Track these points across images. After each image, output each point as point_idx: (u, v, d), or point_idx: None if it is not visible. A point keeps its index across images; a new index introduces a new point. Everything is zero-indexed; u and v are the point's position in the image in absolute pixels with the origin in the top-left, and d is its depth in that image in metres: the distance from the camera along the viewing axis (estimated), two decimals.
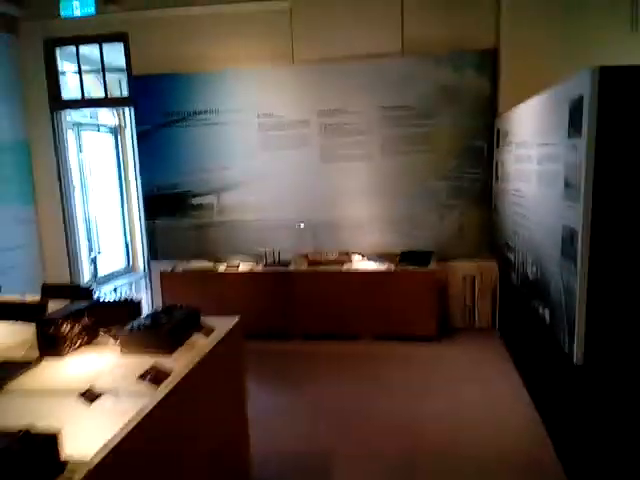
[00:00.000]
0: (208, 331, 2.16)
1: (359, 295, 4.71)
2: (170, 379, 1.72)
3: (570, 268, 2.42)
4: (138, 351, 1.90)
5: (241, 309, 5.00)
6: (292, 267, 4.91)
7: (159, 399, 1.60)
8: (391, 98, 4.94)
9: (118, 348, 1.98)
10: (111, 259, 7.72)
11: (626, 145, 2.20)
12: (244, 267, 5.00)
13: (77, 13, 5.29)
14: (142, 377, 1.68)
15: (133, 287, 7.27)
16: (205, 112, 5.23)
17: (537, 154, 3.07)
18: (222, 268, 4.99)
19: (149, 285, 5.87)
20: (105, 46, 5.50)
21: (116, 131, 7.61)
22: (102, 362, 1.89)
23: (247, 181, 5.28)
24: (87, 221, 7.09)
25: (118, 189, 7.71)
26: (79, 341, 2.00)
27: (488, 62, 4.77)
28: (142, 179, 5.51)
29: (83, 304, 2.13)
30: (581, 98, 2.25)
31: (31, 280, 5.58)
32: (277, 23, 5.03)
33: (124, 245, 7.94)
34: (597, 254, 2.28)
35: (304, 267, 4.90)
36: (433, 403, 3.53)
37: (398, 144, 5.01)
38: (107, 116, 7.56)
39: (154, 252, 5.58)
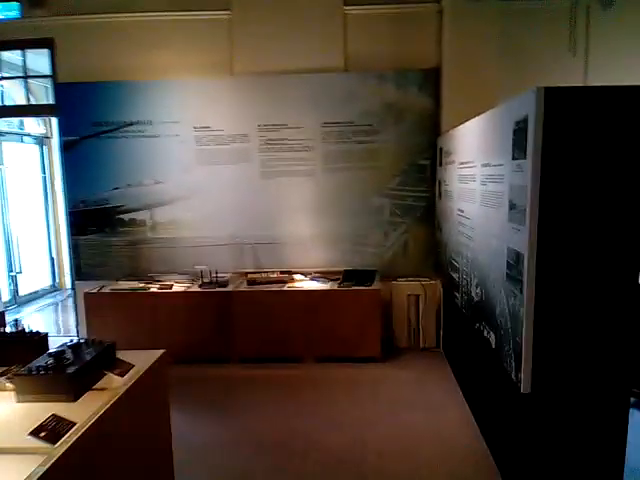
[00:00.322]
0: (124, 370, 1.89)
1: (301, 316, 4.51)
2: (72, 432, 1.45)
3: (515, 292, 2.34)
4: (37, 398, 1.61)
5: (175, 332, 4.72)
6: (230, 287, 4.65)
7: (55, 458, 1.33)
8: (334, 114, 4.82)
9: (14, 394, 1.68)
10: (36, 277, 7.15)
11: (571, 166, 2.14)
12: (179, 287, 4.69)
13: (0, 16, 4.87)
14: (35, 432, 1.40)
15: (59, 308, 6.75)
16: (138, 123, 4.92)
17: (481, 174, 3.01)
18: (154, 288, 4.65)
19: (74, 307, 5.42)
20: (32, 52, 5.09)
21: (42, 141, 7.11)
22: None
23: (183, 196, 5.00)
24: (7, 237, 6.54)
25: (43, 203, 7.18)
26: None
27: (431, 81, 4.76)
28: (68, 193, 5.10)
29: None
30: (526, 118, 2.18)
31: None
32: (216, 33, 4.83)
33: (49, 262, 7.39)
34: (543, 278, 2.20)
35: (243, 287, 4.66)
36: (377, 432, 3.37)
37: (341, 160, 4.90)
38: (33, 125, 7.06)
39: (79, 271, 5.16)
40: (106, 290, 4.63)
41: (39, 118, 6.91)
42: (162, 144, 4.94)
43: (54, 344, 2.00)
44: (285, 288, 4.59)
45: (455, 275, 3.87)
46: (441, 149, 4.55)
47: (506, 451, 2.80)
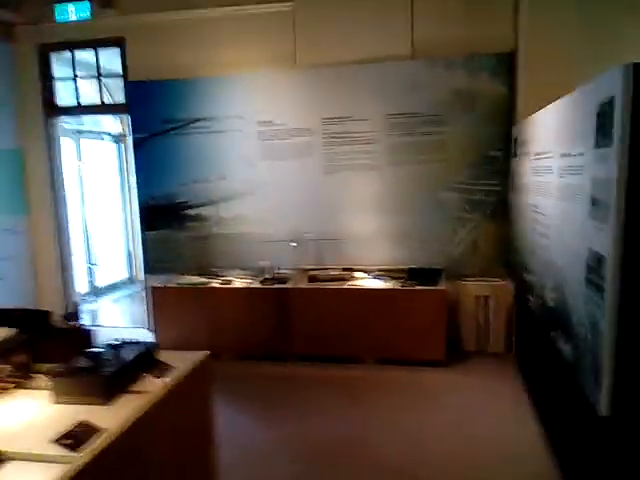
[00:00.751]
0: (163, 372, 1.83)
1: (362, 315, 4.36)
2: (99, 439, 1.40)
3: (597, 301, 2.05)
4: (72, 400, 1.58)
5: (235, 327, 4.73)
6: (291, 284, 4.58)
7: (76, 468, 1.27)
8: (399, 104, 4.60)
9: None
10: (114, 270, 7.50)
11: None
12: (240, 283, 4.69)
13: (72, 17, 5.08)
14: (60, 438, 1.36)
15: (134, 300, 7.02)
16: (203, 119, 4.96)
17: (558, 165, 2.70)
18: (216, 284, 4.68)
19: (145, 300, 5.60)
20: (104, 51, 5.28)
21: (118, 139, 7.42)
22: (27, 413, 1.58)
23: (246, 192, 4.99)
24: (85, 231, 6.89)
25: (120, 198, 7.50)
26: (9, 384, 1.70)
27: (505, 66, 4.41)
28: (139, 189, 5.25)
29: (23, 336, 1.83)
30: (611, 100, 1.89)
31: (22, 292, 5.36)
32: (279, 25, 4.75)
33: (126, 255, 7.72)
34: (629, 285, 1.91)
35: (303, 284, 4.57)
36: (438, 443, 3.16)
37: (407, 153, 4.67)
38: (111, 124, 7.38)
39: (149, 265, 5.31)
40: (170, 285, 4.72)
41: (117, 117, 7.19)
42: (226, 140, 4.96)
43: (117, 336, 1.97)
44: (346, 286, 4.45)
45: (528, 277, 3.54)
46: (515, 139, 4.20)
47: (579, 476, 2.50)
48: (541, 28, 4.24)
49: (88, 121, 7.04)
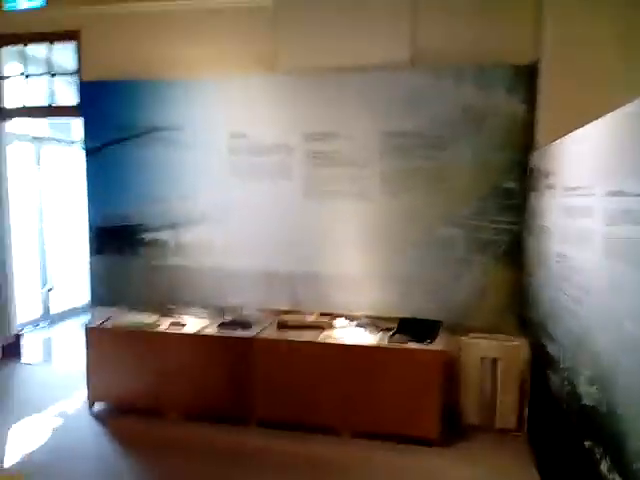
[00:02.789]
0: None
1: (339, 376, 3.52)
2: None
3: None
4: None
5: (184, 382, 3.81)
6: (255, 330, 3.76)
7: None
8: (396, 121, 3.84)
9: None
10: (73, 293, 6.70)
11: None
12: (195, 325, 3.88)
13: (23, 6, 4.39)
14: None
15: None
16: (166, 129, 4.21)
17: (604, 207, 1.90)
18: (164, 326, 3.87)
19: None
20: (59, 47, 4.58)
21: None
22: None
23: (213, 216, 4.21)
24: (41, 248, 6.13)
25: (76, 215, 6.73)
26: None
27: (524, 80, 3.64)
28: (89, 206, 4.48)
29: None
30: None
31: None
32: (257, 23, 4.03)
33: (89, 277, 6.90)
34: None
35: (271, 332, 3.75)
36: None
37: (403, 180, 3.89)
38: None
39: (95, 295, 4.52)
40: (109, 325, 3.91)
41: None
42: (192, 153, 4.20)
43: None
44: (320, 339, 3.62)
45: (551, 347, 2.72)
46: (534, 169, 3.42)
47: None
48: (570, 38, 3.49)
49: (60, 126, 6.35)
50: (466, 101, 3.70)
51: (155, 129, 4.22)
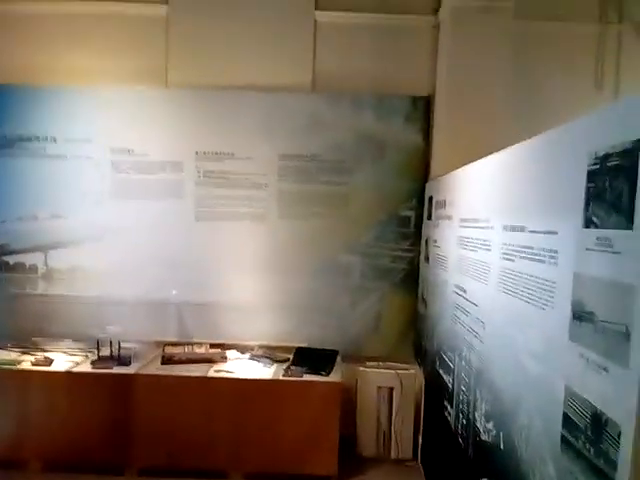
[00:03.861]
0: None
1: (228, 414, 3.25)
2: None
3: None
4: None
5: (50, 426, 3.24)
6: (135, 366, 3.37)
7: None
8: (295, 144, 3.73)
9: None
10: None
11: None
12: (63, 363, 3.40)
13: None
14: None
15: None
16: (36, 139, 3.73)
17: (503, 242, 1.88)
18: (28, 363, 3.34)
19: None
20: None
21: None
22: None
23: (90, 237, 3.78)
24: None
25: None
26: None
27: (421, 110, 3.72)
28: None
29: None
30: (633, 149, 1.07)
31: None
32: (148, 33, 3.75)
33: None
34: None
35: (153, 367, 3.39)
36: None
37: (302, 204, 3.77)
38: None
39: None
40: None
41: None
42: (67, 168, 3.76)
43: None
44: (210, 374, 3.33)
45: (446, 377, 2.69)
46: (431, 198, 3.47)
47: None
48: (463, 73, 3.60)
49: None
50: (365, 128, 3.70)
51: (24, 139, 3.72)
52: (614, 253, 1.12)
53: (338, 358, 3.62)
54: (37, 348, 3.62)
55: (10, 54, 3.73)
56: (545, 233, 1.50)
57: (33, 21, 3.74)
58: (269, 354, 3.68)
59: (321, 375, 3.36)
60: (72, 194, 3.75)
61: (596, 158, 1.23)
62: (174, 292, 3.77)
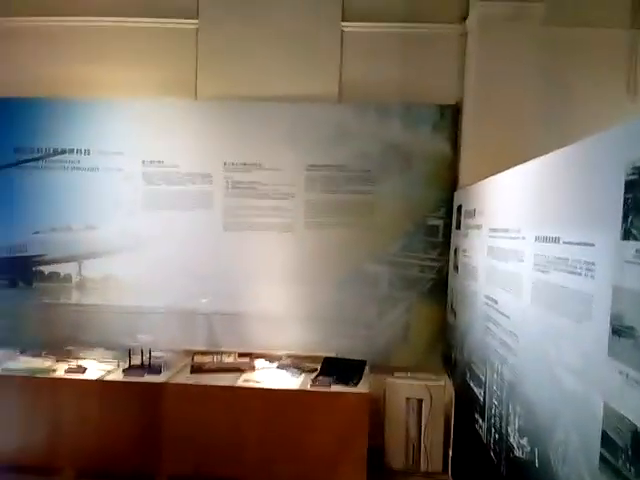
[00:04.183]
0: None
1: (257, 424, 3.26)
2: None
3: None
4: None
5: (82, 435, 3.31)
6: (165, 375, 3.41)
7: None
8: (321, 154, 3.75)
9: None
10: None
11: None
12: (96, 371, 3.46)
13: None
14: None
15: None
16: (70, 152, 3.85)
17: (534, 253, 1.85)
18: (62, 371, 3.42)
19: None
20: None
21: None
22: None
23: (122, 248, 3.86)
24: None
25: None
26: None
27: (449, 119, 3.70)
28: None
29: None
30: None
31: None
32: (178, 47, 3.83)
33: None
34: None
35: (183, 376, 3.43)
36: None
37: (329, 214, 3.78)
38: None
39: None
40: None
41: None
42: (100, 180, 3.85)
43: None
44: (238, 384, 3.35)
45: (477, 389, 2.65)
46: (460, 207, 3.43)
47: None
48: (491, 81, 3.56)
49: None
50: (392, 138, 3.69)
51: (57, 152, 3.83)
52: None
53: (366, 368, 3.59)
54: (70, 356, 3.69)
55: (43, 67, 3.85)
56: (581, 245, 1.46)
57: (67, 34, 3.85)
58: (297, 364, 3.68)
59: (349, 385, 3.34)
60: (105, 205, 3.84)
61: (634, 168, 1.19)
62: (203, 300, 3.81)
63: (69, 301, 3.89)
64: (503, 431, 2.15)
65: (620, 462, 1.18)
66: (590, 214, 1.44)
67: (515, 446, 1.98)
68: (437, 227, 3.69)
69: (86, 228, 3.85)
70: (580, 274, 1.45)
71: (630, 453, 1.14)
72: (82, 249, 3.86)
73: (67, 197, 3.85)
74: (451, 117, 3.69)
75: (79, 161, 3.83)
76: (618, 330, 1.23)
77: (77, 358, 3.67)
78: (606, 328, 1.28)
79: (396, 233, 3.73)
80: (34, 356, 3.66)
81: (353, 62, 3.75)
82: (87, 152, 3.82)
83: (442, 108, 3.70)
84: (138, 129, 3.81)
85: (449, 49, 3.74)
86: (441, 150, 3.69)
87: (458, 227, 3.42)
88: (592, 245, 1.39)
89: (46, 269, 3.90)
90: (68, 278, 3.89)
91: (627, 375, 1.17)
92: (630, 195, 1.21)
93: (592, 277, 1.38)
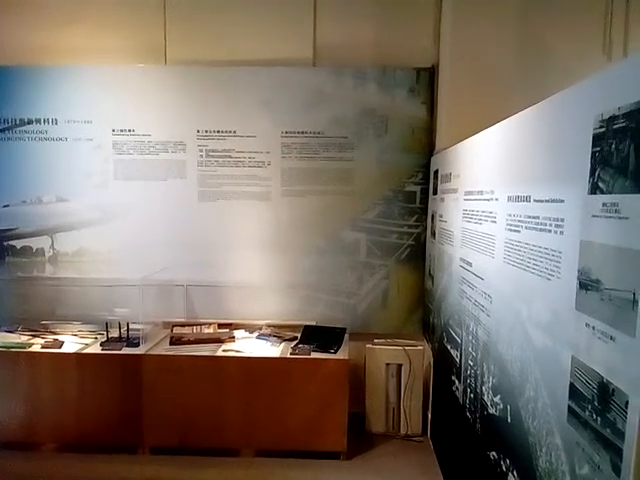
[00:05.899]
0: None
1: (238, 393, 3.28)
2: None
3: (590, 452, 1.15)
4: None
5: (61, 408, 3.24)
6: (144, 347, 3.39)
7: None
8: (297, 121, 3.67)
9: None
10: None
11: None
12: (73, 345, 3.43)
13: None
14: None
15: None
16: (37, 122, 3.70)
17: (507, 212, 1.84)
18: (38, 346, 3.38)
19: None
20: None
21: None
22: None
23: (95, 220, 3.77)
24: None
25: None
26: None
27: (425, 82, 3.64)
28: None
29: None
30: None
31: None
32: (145, 8, 3.66)
33: None
34: None
35: (161, 348, 3.41)
36: None
37: (305, 182, 3.73)
38: None
39: None
40: None
41: None
42: (70, 150, 3.73)
43: None
44: (218, 354, 3.34)
45: (454, 352, 2.68)
46: (436, 172, 3.41)
47: None
48: (468, 42, 3.49)
49: None
50: (368, 102, 3.63)
51: (25, 122, 3.70)
52: (621, 219, 1.08)
53: (346, 336, 3.62)
54: (46, 331, 3.64)
55: (8, 35, 3.69)
56: (551, 202, 1.45)
57: (31, 1, 3.67)
58: (277, 333, 3.69)
59: (329, 352, 3.36)
60: (75, 176, 3.73)
61: (601, 121, 1.18)
62: (159, 270, 3.68)
63: (43, 275, 3.81)
64: (478, 390, 2.18)
65: (587, 413, 1.20)
66: (560, 171, 1.42)
67: (489, 404, 2.01)
68: (414, 193, 3.67)
69: (57, 200, 3.75)
70: (550, 231, 1.45)
71: (597, 403, 1.16)
72: (54, 222, 3.77)
73: (36, 169, 3.73)
74: (428, 80, 3.64)
75: (47, 131, 3.70)
76: (585, 284, 1.23)
77: (53, 333, 3.62)
78: (574, 283, 1.28)
79: (374, 200, 3.71)
80: (9, 331, 3.59)
81: (328, 24, 3.65)
82: (55, 121, 3.69)
83: (418, 71, 3.63)
84: (107, 97, 3.68)
85: (425, 11, 3.65)
86: (418, 114, 3.64)
87: (435, 192, 3.41)
88: (562, 201, 1.38)
89: (18, 243, 3.81)
90: (41, 252, 3.81)
91: (594, 328, 1.18)
92: (598, 149, 1.19)
93: (561, 233, 1.38)
